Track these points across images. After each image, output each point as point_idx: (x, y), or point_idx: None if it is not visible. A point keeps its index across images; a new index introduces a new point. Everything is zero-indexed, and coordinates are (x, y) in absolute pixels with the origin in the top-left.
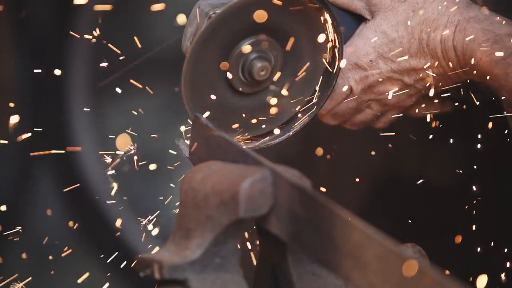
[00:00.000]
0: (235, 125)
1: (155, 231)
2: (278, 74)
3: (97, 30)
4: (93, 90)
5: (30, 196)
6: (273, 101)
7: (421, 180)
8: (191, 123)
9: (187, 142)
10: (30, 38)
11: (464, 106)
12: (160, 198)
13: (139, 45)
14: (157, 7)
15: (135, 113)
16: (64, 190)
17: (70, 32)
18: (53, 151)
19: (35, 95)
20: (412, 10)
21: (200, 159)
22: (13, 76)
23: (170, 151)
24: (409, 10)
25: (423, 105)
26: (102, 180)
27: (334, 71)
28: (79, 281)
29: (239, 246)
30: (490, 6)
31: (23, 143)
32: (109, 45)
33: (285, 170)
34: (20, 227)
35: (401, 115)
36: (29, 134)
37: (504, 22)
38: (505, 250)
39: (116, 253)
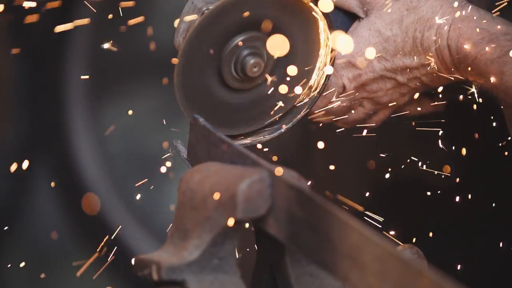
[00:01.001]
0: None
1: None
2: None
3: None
4: (91, 90)
5: (29, 196)
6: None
7: (420, 181)
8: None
9: (185, 142)
10: (28, 38)
11: (459, 106)
12: (158, 198)
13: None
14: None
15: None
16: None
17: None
18: None
19: (33, 95)
20: (406, 8)
21: (198, 160)
22: (12, 76)
23: (169, 151)
24: (403, 9)
25: (416, 104)
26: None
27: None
28: (77, 280)
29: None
30: (485, 5)
31: (22, 143)
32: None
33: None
34: (19, 227)
35: (394, 114)
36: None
37: (499, 21)
38: (505, 250)
39: (115, 253)
